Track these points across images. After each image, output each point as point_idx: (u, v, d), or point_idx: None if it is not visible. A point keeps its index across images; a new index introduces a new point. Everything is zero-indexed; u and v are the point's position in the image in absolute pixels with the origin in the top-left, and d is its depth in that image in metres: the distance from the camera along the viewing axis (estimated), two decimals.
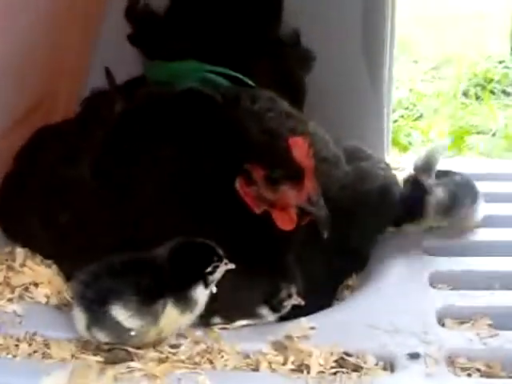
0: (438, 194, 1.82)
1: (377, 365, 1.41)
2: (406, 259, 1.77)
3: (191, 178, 1.57)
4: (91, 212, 1.64)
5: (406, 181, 1.87)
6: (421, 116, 3.51)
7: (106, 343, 1.42)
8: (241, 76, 1.83)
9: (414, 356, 1.42)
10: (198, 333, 1.48)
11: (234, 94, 1.68)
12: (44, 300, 1.60)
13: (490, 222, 1.91)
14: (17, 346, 1.45)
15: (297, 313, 1.55)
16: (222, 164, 1.54)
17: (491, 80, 3.81)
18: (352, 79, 2.24)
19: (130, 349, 1.41)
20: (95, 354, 1.42)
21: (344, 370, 1.39)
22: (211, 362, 1.42)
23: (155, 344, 1.44)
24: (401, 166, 2.14)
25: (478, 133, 3.34)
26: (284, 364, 1.41)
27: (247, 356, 1.43)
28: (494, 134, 3.32)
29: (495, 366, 1.42)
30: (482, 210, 1.89)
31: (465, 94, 3.72)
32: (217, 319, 1.52)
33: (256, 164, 1.50)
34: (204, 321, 1.50)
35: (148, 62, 2.02)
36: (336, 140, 1.84)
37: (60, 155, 1.73)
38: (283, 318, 1.56)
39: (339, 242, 1.64)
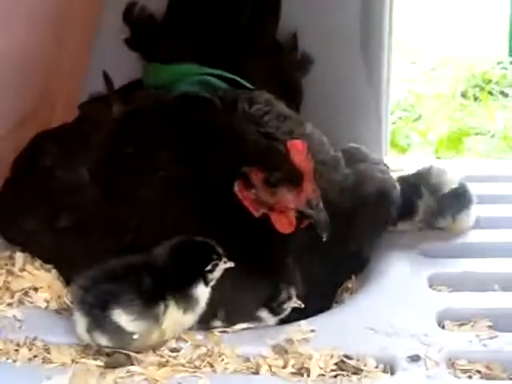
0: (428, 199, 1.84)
1: (377, 367, 1.42)
2: (406, 261, 1.78)
3: (190, 182, 1.57)
4: (91, 216, 1.64)
5: (404, 179, 1.88)
6: (419, 117, 3.51)
7: (107, 347, 1.42)
8: (238, 78, 1.84)
9: (414, 358, 1.42)
10: (198, 336, 1.48)
11: (231, 97, 1.69)
12: (44, 304, 1.60)
13: (489, 223, 1.91)
14: (17, 350, 1.45)
15: (297, 316, 1.55)
16: (220, 167, 1.54)
17: (489, 81, 3.81)
18: (350, 81, 2.24)
19: (130, 353, 1.41)
20: (95, 359, 1.42)
21: (344, 372, 1.39)
22: (211, 366, 1.42)
23: (157, 347, 1.44)
24: (399, 167, 2.14)
25: (477, 134, 3.35)
26: (284, 367, 1.41)
27: (247, 359, 1.43)
28: (492, 135, 3.32)
29: (495, 368, 1.42)
30: (474, 214, 1.89)
31: (463, 95, 3.72)
32: (217, 322, 1.52)
33: (254, 167, 1.50)
34: (204, 324, 1.50)
35: (146, 64, 2.02)
36: (334, 142, 1.83)
37: (59, 159, 1.73)
38: (283, 321, 1.56)
39: (338, 245, 1.64)
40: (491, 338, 1.48)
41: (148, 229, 1.57)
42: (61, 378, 1.37)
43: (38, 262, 1.70)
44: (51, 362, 1.42)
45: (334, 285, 1.72)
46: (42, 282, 1.64)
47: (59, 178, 1.70)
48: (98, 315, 1.40)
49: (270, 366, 1.41)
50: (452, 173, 1.88)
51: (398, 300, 1.62)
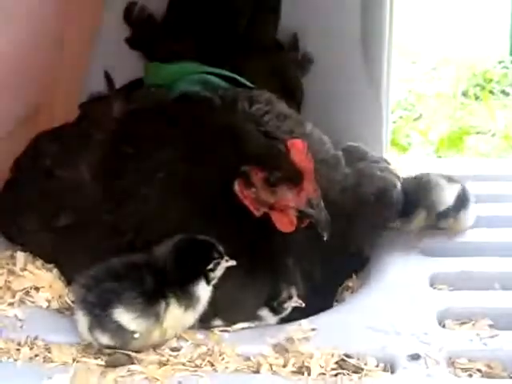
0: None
1: (377, 366, 1.42)
2: (406, 260, 1.77)
3: (191, 181, 1.57)
4: (91, 215, 1.64)
5: (413, 178, 1.89)
6: (420, 117, 3.51)
7: (108, 347, 1.42)
8: (238, 77, 1.84)
9: (415, 357, 1.42)
10: (199, 335, 1.48)
11: (231, 96, 1.70)
12: (45, 304, 1.60)
13: (490, 222, 1.91)
14: (18, 350, 1.45)
15: (297, 315, 1.55)
16: (221, 167, 1.54)
17: (490, 80, 3.81)
18: (350, 80, 2.24)
19: (131, 352, 1.41)
20: (96, 358, 1.42)
21: (345, 371, 1.39)
22: (212, 365, 1.42)
23: (157, 346, 1.44)
24: (399, 167, 2.13)
25: (478, 133, 3.35)
26: (285, 366, 1.41)
27: (248, 358, 1.43)
28: (493, 135, 3.32)
29: (496, 367, 1.42)
30: (474, 214, 1.89)
31: (464, 94, 3.72)
32: (217, 322, 1.52)
33: (254, 166, 1.50)
34: (205, 323, 1.51)
35: (147, 63, 2.03)
36: (334, 141, 1.84)
37: (59, 159, 1.73)
38: (284, 321, 1.56)
39: (339, 244, 1.64)
40: (492, 337, 1.48)
41: (148, 228, 1.57)
42: (62, 377, 1.37)
43: (39, 262, 1.70)
44: (52, 362, 1.42)
45: (334, 284, 1.72)
46: (43, 282, 1.64)
47: (60, 178, 1.70)
48: (99, 314, 1.40)
49: (270, 365, 1.41)
50: (449, 188, 1.86)
51: (399, 299, 1.62)
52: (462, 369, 1.42)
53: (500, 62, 3.98)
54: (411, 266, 1.75)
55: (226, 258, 1.48)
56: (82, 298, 1.42)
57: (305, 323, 1.52)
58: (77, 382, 1.36)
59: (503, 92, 3.75)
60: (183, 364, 1.41)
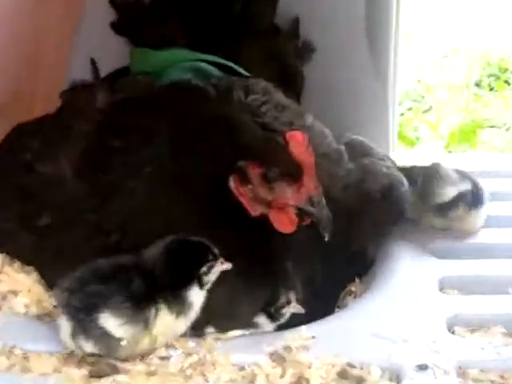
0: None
1: (382, 376, 1.41)
2: (414, 262, 1.78)
3: (182, 178, 1.57)
4: (75, 213, 1.64)
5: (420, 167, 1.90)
6: (429, 108, 3.52)
7: (92, 355, 1.42)
8: (233, 65, 1.84)
9: (422, 367, 1.42)
10: (190, 343, 1.48)
11: (226, 85, 1.70)
12: (23, 310, 1.60)
13: (504, 222, 1.92)
14: None
15: (296, 321, 1.55)
16: (214, 162, 1.54)
17: (506, 70, 3.81)
18: (355, 70, 2.24)
19: (117, 361, 1.41)
20: (79, 367, 1.42)
21: (347, 382, 1.39)
22: (204, 375, 1.42)
23: (145, 354, 1.44)
24: (407, 162, 2.14)
25: (492, 126, 3.35)
26: (282, 377, 1.41)
27: (242, 368, 1.43)
28: (508, 128, 3.33)
29: (510, 378, 1.42)
30: (485, 214, 1.89)
31: (477, 84, 3.72)
32: (210, 328, 1.52)
33: (251, 161, 1.50)
34: (196, 330, 1.50)
35: (134, 49, 2.02)
36: (337, 135, 1.84)
37: (39, 153, 1.73)
38: (281, 327, 1.55)
39: (341, 245, 1.64)
40: (505, 346, 1.48)
41: (136, 228, 1.57)
42: None
43: (16, 264, 1.70)
44: (31, 372, 1.42)
45: (336, 288, 1.72)
46: (22, 286, 1.64)
47: (40, 173, 1.70)
48: (83, 319, 1.39)
49: (266, 376, 1.41)
50: (455, 182, 1.87)
51: (406, 304, 1.62)
52: (473, 379, 1.41)
53: None
54: (419, 268, 1.75)
55: (221, 260, 1.48)
56: (65, 301, 1.42)
57: (304, 330, 1.51)
58: None
59: None
60: (173, 374, 1.41)
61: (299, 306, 1.55)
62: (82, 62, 1.88)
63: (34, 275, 1.68)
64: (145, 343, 1.43)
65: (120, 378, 1.39)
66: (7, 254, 1.71)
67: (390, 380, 1.41)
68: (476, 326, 1.56)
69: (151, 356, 1.44)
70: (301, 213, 1.50)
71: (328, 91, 2.18)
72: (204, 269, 1.47)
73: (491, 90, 3.67)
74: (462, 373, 1.42)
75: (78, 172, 1.67)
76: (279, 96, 1.68)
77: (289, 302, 1.55)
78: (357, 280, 1.76)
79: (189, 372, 1.42)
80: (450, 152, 3.11)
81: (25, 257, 1.69)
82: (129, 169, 1.63)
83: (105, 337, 1.40)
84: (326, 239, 1.49)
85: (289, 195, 1.49)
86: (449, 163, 1.96)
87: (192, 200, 1.55)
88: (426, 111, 3.49)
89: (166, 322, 1.44)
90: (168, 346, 1.46)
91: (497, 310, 1.60)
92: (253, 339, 1.52)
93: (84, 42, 2.13)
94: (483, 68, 3.82)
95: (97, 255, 1.49)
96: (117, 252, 1.50)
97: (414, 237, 1.86)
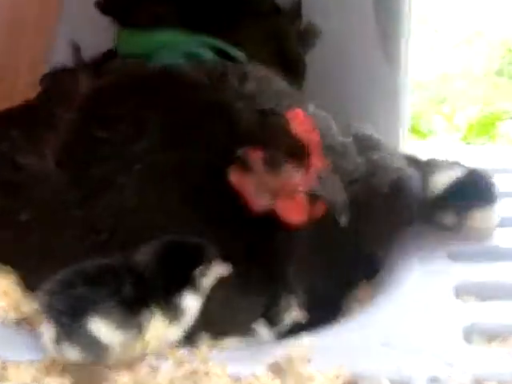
0: None
1: None
2: (428, 266, 1.77)
3: (175, 171, 1.57)
4: (58, 210, 1.62)
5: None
6: (445, 99, 3.52)
7: (75, 365, 1.40)
8: (229, 48, 1.84)
9: (435, 380, 1.41)
10: (182, 352, 1.47)
11: (221, 71, 1.69)
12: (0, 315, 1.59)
13: None
14: None
15: (297, 329, 1.54)
16: (210, 152, 1.53)
17: None
18: (362, 56, 2.25)
19: (102, 370, 1.40)
20: (61, 377, 1.41)
21: None
22: None
23: (133, 364, 1.42)
24: (420, 156, 2.13)
25: None
26: None
27: (238, 380, 1.42)
28: None
29: None
30: (498, 213, 1.88)
31: (497, 73, 3.73)
32: (203, 336, 1.50)
33: (251, 147, 1.49)
34: (188, 338, 1.49)
35: (121, 30, 2.01)
36: (344, 126, 1.84)
37: (18, 144, 1.72)
38: (281, 336, 1.55)
39: (348, 246, 1.64)
40: None
41: (126, 225, 1.56)
42: None
43: None
44: (9, 382, 1.41)
45: (341, 293, 1.72)
46: None
47: (19, 166, 1.68)
48: (70, 324, 1.38)
49: None
50: (444, 173, 1.88)
51: (418, 311, 1.61)
52: None
53: None
54: (433, 272, 1.75)
55: (219, 262, 1.47)
56: (49, 305, 1.41)
57: (306, 339, 1.50)
58: None
59: None
60: None
61: (301, 313, 1.55)
62: (65, 46, 1.87)
63: (12, 277, 1.65)
64: (135, 350, 1.41)
65: None
66: None
67: None
68: (494, 335, 1.54)
69: (139, 365, 1.42)
70: (312, 197, 1.49)
71: (333, 79, 2.18)
72: (199, 272, 1.46)
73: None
74: None
75: (62, 164, 1.66)
76: (279, 83, 1.69)
77: (289, 308, 1.55)
78: (364, 285, 1.76)
79: (180, 383, 1.40)
80: (468, 144, 3.12)
81: (1, 256, 1.67)
82: (118, 161, 1.62)
83: (93, 343, 1.38)
84: (343, 224, 1.47)
85: (297, 179, 1.48)
86: (466, 157, 1.96)
87: (187, 195, 1.54)
88: (440, 102, 3.51)
89: (159, 329, 1.43)
90: (158, 354, 1.44)
91: None
92: (250, 348, 1.52)
93: (66, 24, 2.12)
94: (503, 56, 3.83)
95: (84, 255, 1.47)
96: (106, 251, 1.48)
97: (428, 238, 1.85)
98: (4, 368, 1.44)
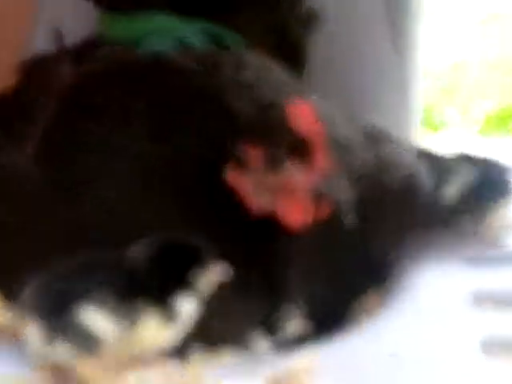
0: None
1: None
2: (442, 272, 1.76)
3: (166, 168, 1.56)
4: (34, 210, 1.61)
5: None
6: (459, 88, 3.53)
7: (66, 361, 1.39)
8: (225, 33, 1.83)
9: None
10: (171, 364, 1.45)
11: (215, 59, 1.68)
12: None
13: None
14: None
15: (298, 341, 1.53)
16: (203, 148, 1.53)
17: None
18: (368, 43, 2.25)
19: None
20: None
21: None
22: None
23: (119, 370, 1.40)
24: (433, 150, 2.13)
25: None
26: None
27: None
28: None
29: None
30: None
31: None
32: (195, 347, 1.49)
33: (247, 142, 1.48)
34: (179, 349, 1.47)
35: (105, 16, 1.99)
36: (350, 118, 1.82)
37: None
38: (281, 348, 1.53)
39: (354, 249, 1.63)
40: None
41: (112, 227, 1.54)
42: None
43: None
44: None
45: (347, 302, 1.69)
46: None
47: None
48: (59, 317, 1.38)
49: None
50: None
51: (431, 321, 1.60)
52: None
53: None
54: (448, 278, 1.74)
55: (218, 263, 1.45)
56: (37, 300, 1.40)
57: (308, 352, 1.49)
58: None
59: None
60: None
61: (303, 322, 1.55)
62: (45, 32, 1.87)
63: None
64: (128, 347, 1.40)
65: None
66: None
67: None
68: None
69: (126, 379, 1.40)
70: (316, 198, 1.48)
71: (337, 69, 2.20)
72: (196, 273, 1.45)
73: None
74: None
75: (42, 160, 1.64)
76: (278, 72, 1.68)
77: (290, 317, 1.54)
78: (373, 292, 1.73)
79: None
80: (485, 136, 3.14)
81: None
82: (102, 157, 1.60)
83: (85, 335, 1.38)
84: (349, 226, 1.49)
85: (300, 178, 1.47)
86: (482, 150, 1.96)
87: (180, 194, 1.53)
88: (454, 92, 3.53)
89: (152, 327, 1.42)
90: (144, 366, 1.43)
91: None
92: (248, 361, 1.50)
93: (47, 10, 2.13)
94: None
95: (68, 256, 1.44)
96: (91, 251, 1.45)
97: (443, 241, 1.84)
98: None
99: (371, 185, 1.72)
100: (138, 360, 1.43)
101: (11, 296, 1.49)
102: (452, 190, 1.86)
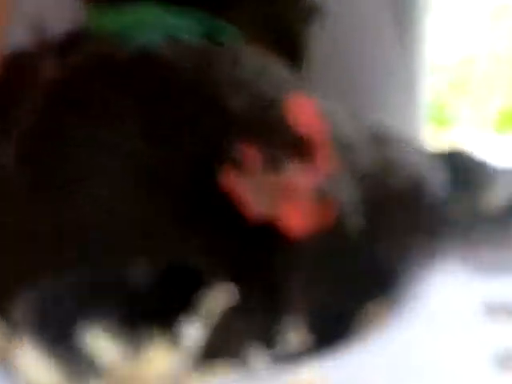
0: None
1: None
2: (452, 280, 1.77)
3: (158, 170, 1.52)
4: (16, 215, 1.56)
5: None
6: (469, 83, 3.55)
7: None
8: (220, 26, 1.82)
9: None
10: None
11: (209, 54, 1.67)
12: None
13: None
14: None
15: (300, 354, 1.54)
16: (197, 151, 1.52)
17: None
18: (372, 36, 2.26)
19: None
20: None
21: None
22: None
23: None
24: (442, 148, 2.14)
25: None
26: None
27: None
28: None
29: None
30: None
31: None
32: (191, 362, 1.46)
33: (244, 142, 1.47)
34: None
35: (90, 7, 1.98)
36: (353, 116, 1.80)
37: None
38: (282, 362, 1.53)
39: (359, 256, 1.63)
40: None
41: (107, 227, 1.51)
42: None
43: None
44: None
45: (352, 312, 1.69)
46: None
47: None
48: (57, 339, 1.35)
49: None
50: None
51: (441, 333, 1.60)
52: None
53: None
54: (460, 287, 1.75)
55: (226, 287, 1.44)
56: (34, 321, 1.37)
57: (311, 367, 1.50)
58: None
59: None
60: None
61: (305, 335, 1.55)
62: (26, 25, 1.88)
63: None
64: (129, 376, 1.38)
65: None
66: None
67: None
68: None
69: None
70: (319, 202, 1.48)
71: (339, 63, 2.21)
72: (200, 297, 1.43)
73: None
74: None
75: (25, 161, 1.61)
76: (276, 68, 1.68)
77: (291, 329, 1.53)
78: (379, 302, 1.72)
79: None
80: (499, 133, 3.16)
81: None
82: (91, 158, 1.57)
83: (83, 360, 1.35)
84: (354, 231, 1.49)
85: (301, 179, 1.47)
86: (495, 148, 1.97)
87: (173, 199, 1.49)
88: (464, 87, 3.55)
89: (157, 353, 1.40)
90: None
91: None
92: (246, 377, 1.50)
93: (26, 1, 2.12)
94: None
95: (51, 274, 1.41)
96: (77, 270, 1.42)
97: (454, 247, 1.84)
98: None
99: (376, 186, 1.72)
100: None
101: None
102: (492, 197, 1.88)
